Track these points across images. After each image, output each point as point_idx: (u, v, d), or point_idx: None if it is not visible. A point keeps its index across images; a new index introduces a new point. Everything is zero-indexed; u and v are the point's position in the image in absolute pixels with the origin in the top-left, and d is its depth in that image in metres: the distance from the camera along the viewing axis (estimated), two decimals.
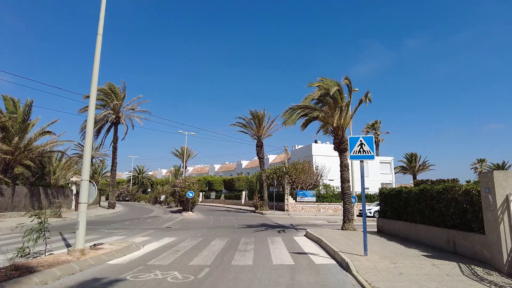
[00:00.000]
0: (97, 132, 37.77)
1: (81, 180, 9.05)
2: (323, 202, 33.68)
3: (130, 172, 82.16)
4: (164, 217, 26.51)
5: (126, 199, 72.33)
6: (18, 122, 20.91)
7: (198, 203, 57.95)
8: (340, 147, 15.38)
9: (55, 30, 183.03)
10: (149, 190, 74.79)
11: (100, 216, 25.55)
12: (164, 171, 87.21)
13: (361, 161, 8.65)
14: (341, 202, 34.49)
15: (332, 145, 16.16)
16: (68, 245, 10.73)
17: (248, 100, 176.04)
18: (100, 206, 38.50)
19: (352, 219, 15.17)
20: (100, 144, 42.46)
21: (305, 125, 17.76)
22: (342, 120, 15.36)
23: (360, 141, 8.67)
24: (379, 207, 30.86)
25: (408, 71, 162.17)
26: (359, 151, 8.62)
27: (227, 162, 75.03)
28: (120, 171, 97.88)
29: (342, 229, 15.09)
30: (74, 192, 28.47)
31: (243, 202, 46.27)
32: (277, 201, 35.60)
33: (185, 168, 67.48)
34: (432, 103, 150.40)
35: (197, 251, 10.44)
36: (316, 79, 15.70)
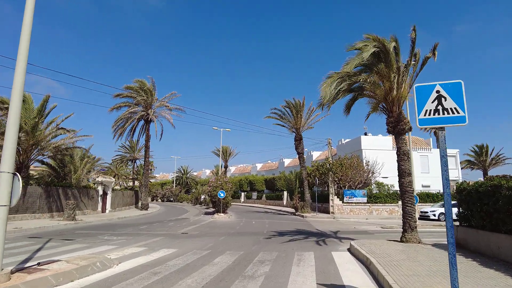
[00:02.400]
0: (132, 131, 36.63)
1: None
2: (376, 203, 28.87)
3: (175, 173, 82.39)
4: (192, 220, 23.84)
5: (170, 199, 72.21)
6: (31, 119, 19.36)
7: (239, 204, 55.75)
8: (397, 128, 11.18)
9: (94, 24, 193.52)
10: (193, 190, 74.10)
11: (123, 219, 23.52)
12: (207, 171, 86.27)
13: (440, 129, 4.68)
14: (397, 203, 29.61)
15: (386, 132, 11.95)
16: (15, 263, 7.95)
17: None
18: (136, 207, 37.13)
19: (415, 227, 10.89)
20: (137, 143, 41.39)
21: (349, 107, 13.80)
22: (399, 90, 11.17)
23: (437, 91, 4.72)
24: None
25: (458, 56, 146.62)
26: (436, 111, 4.68)
27: (269, 161, 71.68)
28: (166, 172, 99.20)
29: (401, 240, 10.89)
30: (100, 193, 26.92)
31: (284, 203, 42.57)
32: (321, 202, 31.40)
33: (226, 168, 65.43)
34: (499, 88, 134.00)
35: (183, 275, 7.18)
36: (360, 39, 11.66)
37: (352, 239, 13.07)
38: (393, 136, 11.50)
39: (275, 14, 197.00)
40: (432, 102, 4.72)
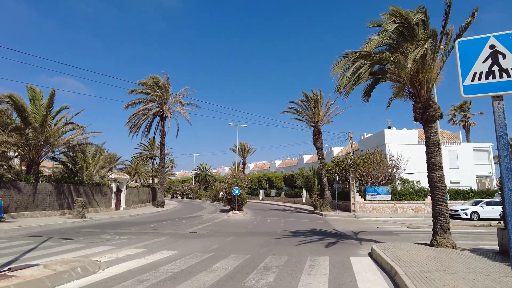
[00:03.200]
0: (147, 128, 36.23)
1: None
2: (401, 200, 27.05)
3: (195, 170, 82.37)
4: (206, 218, 22.97)
5: (190, 196, 72.19)
6: (40, 115, 18.96)
7: (258, 201, 54.71)
8: (426, 114, 9.71)
9: (108, 24, 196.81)
10: (212, 187, 73.75)
11: (135, 217, 22.93)
12: (226, 169, 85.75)
13: (496, 99, 3.35)
14: (423, 200, 27.61)
15: (413, 119, 10.47)
16: None
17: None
18: (153, 204, 36.70)
19: (448, 229, 9.41)
20: (153, 140, 41.10)
21: (368, 92, 12.38)
22: (428, 72, 9.69)
23: (492, 46, 3.40)
24: (478, 206, 23.48)
25: None
26: (490, 74, 3.36)
27: (288, 157, 70.11)
28: (187, 170, 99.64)
29: (432, 244, 9.45)
30: (114, 190, 26.51)
31: (303, 201, 41.14)
32: (342, 200, 29.82)
33: (244, 165, 64.56)
34: None
35: (172, 284, 6.19)
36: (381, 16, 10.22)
37: (375, 241, 11.69)
38: (422, 124, 10.01)
39: (291, 10, 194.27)
40: (484, 62, 3.40)
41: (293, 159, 67.37)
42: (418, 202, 27.08)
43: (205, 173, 78.90)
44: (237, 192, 25.56)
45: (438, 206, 9.37)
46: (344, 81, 10.54)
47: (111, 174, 26.67)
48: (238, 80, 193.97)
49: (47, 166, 31.09)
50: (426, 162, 9.76)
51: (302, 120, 29.93)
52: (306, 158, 60.10)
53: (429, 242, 9.69)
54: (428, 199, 26.84)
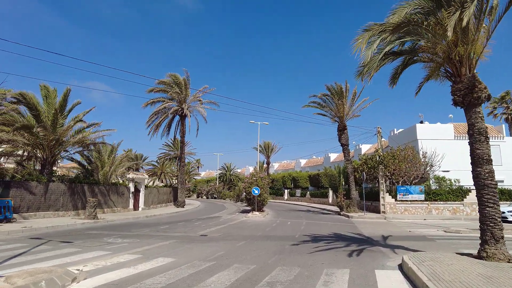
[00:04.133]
0: (167, 127, 35.76)
1: None
2: (435, 200, 24.65)
3: (219, 170, 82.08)
4: (223, 219, 21.87)
5: (214, 196, 71.82)
6: (52, 114, 18.57)
7: (282, 201, 53.04)
8: (468, 96, 7.94)
9: (124, 24, 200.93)
10: (236, 187, 72.98)
11: (151, 217, 22.21)
12: (251, 168, 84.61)
13: None
14: (462, 200, 24.92)
15: (452, 103, 8.64)
16: None
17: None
18: (175, 204, 36.05)
19: (501, 237, 7.59)
20: (174, 140, 40.42)
21: (396, 75, 10.71)
22: (470, 45, 7.93)
23: None
24: None
25: None
26: None
27: (314, 156, 68.07)
28: (212, 169, 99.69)
29: (480, 255, 7.67)
30: (132, 190, 25.99)
31: (330, 201, 39.15)
32: (371, 200, 27.75)
33: (268, 164, 63.29)
34: None
35: None
36: None
37: (406, 249, 9.99)
38: (464, 109, 8.23)
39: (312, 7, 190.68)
40: None
41: (319, 158, 65.26)
42: (456, 202, 24.56)
43: (230, 173, 78.32)
44: (256, 192, 24.28)
45: (487, 208, 7.57)
46: (367, 60, 8.98)
47: (129, 173, 26.19)
48: (260, 77, 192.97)
49: (66, 166, 31.27)
50: (470, 155, 7.99)
51: (325, 115, 28.18)
52: (333, 156, 57.84)
53: (475, 253, 7.91)
54: (468, 199, 24.31)
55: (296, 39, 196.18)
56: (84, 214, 18.74)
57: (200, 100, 34.64)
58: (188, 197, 78.12)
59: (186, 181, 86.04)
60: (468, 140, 8.09)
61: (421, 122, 32.89)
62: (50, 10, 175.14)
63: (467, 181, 28.36)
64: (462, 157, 31.99)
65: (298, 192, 52.83)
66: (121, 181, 25.14)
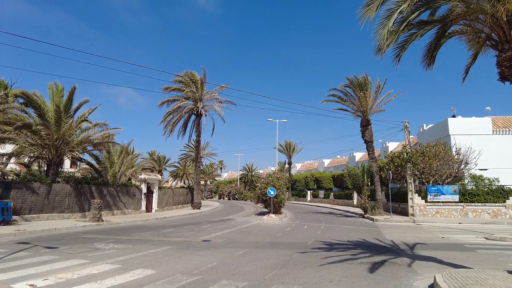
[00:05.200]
0: (184, 127, 34.89)
1: None
2: (472, 202, 22.10)
3: (241, 170, 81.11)
4: (236, 221, 20.50)
5: (236, 197, 70.78)
6: (57, 112, 17.90)
7: (305, 203, 50.95)
8: None
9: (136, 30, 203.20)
10: (256, 188, 71.65)
11: (161, 220, 21.20)
12: (273, 169, 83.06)
13: None
14: (504, 202, 21.91)
15: (499, 78, 6.74)
16: None
17: None
18: (193, 206, 34.98)
19: None
20: (189, 139, 39.28)
21: (432, 51, 8.93)
22: None
23: None
24: None
25: None
26: None
27: (338, 156, 65.38)
28: (234, 171, 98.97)
29: None
30: (144, 191, 25.14)
31: (355, 203, 36.90)
32: (398, 202, 25.47)
33: (290, 164, 61.36)
34: None
35: None
36: None
37: (439, 261, 8.16)
38: None
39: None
40: None
41: (344, 157, 62.67)
42: (497, 204, 21.90)
43: (251, 173, 77.04)
44: (272, 193, 22.71)
45: None
46: (385, 35, 7.31)
47: (141, 174, 25.36)
48: (279, 73, 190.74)
49: (82, 168, 30.98)
50: None
51: (347, 110, 26.16)
52: (358, 156, 55.15)
53: None
54: (511, 200, 21.59)
55: (312, 34, 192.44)
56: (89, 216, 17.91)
57: (217, 99, 33.53)
58: (210, 198, 77.65)
59: (208, 182, 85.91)
60: None
61: (453, 117, 30.08)
62: (79, 21, 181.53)
63: (508, 180, 25.63)
64: (501, 154, 29.05)
65: (321, 193, 50.69)
66: (132, 182, 24.31)
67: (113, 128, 20.85)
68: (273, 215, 22.59)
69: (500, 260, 8.69)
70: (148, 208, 25.91)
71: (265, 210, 29.93)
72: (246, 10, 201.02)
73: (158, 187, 27.73)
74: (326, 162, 65.55)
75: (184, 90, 31.79)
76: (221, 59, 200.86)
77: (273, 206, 24.13)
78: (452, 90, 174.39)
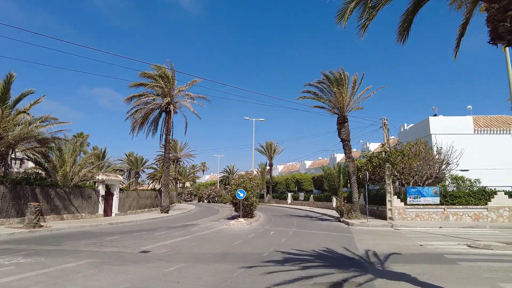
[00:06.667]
0: (154, 124, 32.71)
1: None
2: (453, 204, 20.76)
3: (222, 172, 79.03)
4: (200, 227, 18.57)
5: (215, 200, 68.61)
6: None
7: (285, 205, 49.13)
8: None
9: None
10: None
11: (115, 225, 19.07)
12: (254, 171, 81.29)
13: None
14: (485, 204, 20.59)
15: (489, 40, 5.37)
16: None
17: None
18: (160, 210, 32.66)
19: None
20: (160, 138, 36.91)
21: (406, 25, 7.38)
22: None
23: None
24: None
25: None
26: None
27: (320, 158, 64.10)
28: (214, 173, 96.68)
29: None
30: (102, 193, 22.87)
31: (334, 205, 35.40)
32: (376, 204, 23.99)
33: (271, 166, 59.60)
34: None
35: None
36: None
37: (412, 281, 6.43)
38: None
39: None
40: None
41: (325, 158, 61.41)
42: (478, 207, 20.62)
43: (232, 175, 75.04)
44: (241, 195, 20.83)
45: None
46: None
47: (99, 174, 23.07)
48: (262, 74, 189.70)
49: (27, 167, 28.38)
50: None
51: (323, 108, 24.58)
52: (339, 157, 53.86)
53: None
54: (493, 202, 20.38)
55: (308, 36, 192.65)
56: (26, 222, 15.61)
57: (188, 94, 31.53)
58: (190, 201, 75.08)
59: (188, 184, 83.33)
60: None
61: (435, 116, 28.96)
62: (64, 22, 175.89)
63: (489, 181, 24.45)
64: (483, 154, 28.04)
65: (302, 195, 49.15)
66: (88, 183, 22.01)
67: (62, 122, 18.58)
68: (242, 219, 20.71)
69: (487, 277, 7.06)
70: (107, 212, 23.63)
71: (236, 213, 28.03)
72: (230, 11, 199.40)
73: (120, 189, 25.48)
74: (308, 163, 64.19)
75: (149, 85, 29.63)
76: (209, 62, 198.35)
77: (243, 209, 22.27)
78: (434, 90, 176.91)
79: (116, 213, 24.33)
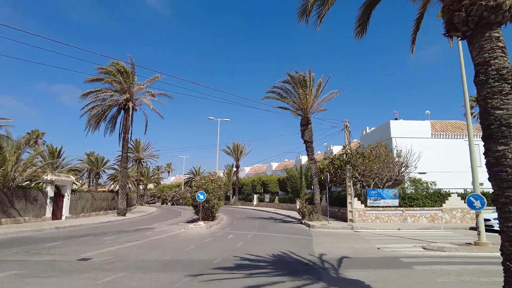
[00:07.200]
0: (113, 122, 30.96)
1: None
2: (411, 206, 21.21)
3: (187, 174, 77.12)
4: (156, 231, 17.53)
5: (180, 202, 66.77)
6: None
7: (251, 207, 48.60)
8: (479, 8, 4.09)
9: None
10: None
11: (62, 230, 17.57)
12: (221, 172, 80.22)
13: None
14: (440, 206, 21.02)
15: (444, 32, 5.81)
16: None
17: None
18: (117, 213, 30.81)
19: None
20: (119, 136, 35.14)
21: (365, 17, 7.08)
22: None
23: None
24: None
25: None
26: None
27: (286, 160, 64.32)
28: (180, 174, 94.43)
29: None
30: (50, 195, 21.11)
31: (297, 207, 35.41)
32: (338, 206, 24.08)
33: (238, 167, 58.93)
34: None
35: None
36: None
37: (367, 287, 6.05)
38: (467, 37, 4.41)
39: None
40: None
41: (291, 160, 61.67)
42: (434, 208, 21.21)
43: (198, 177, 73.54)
44: (201, 197, 19.98)
45: None
46: None
47: (47, 175, 21.29)
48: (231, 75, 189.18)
49: None
50: (481, 122, 4.14)
51: (287, 109, 24.36)
52: (304, 159, 54.10)
53: None
54: (447, 204, 21.00)
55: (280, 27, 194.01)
56: None
57: (148, 91, 30.20)
58: (153, 203, 72.54)
59: (152, 186, 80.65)
60: (476, 95, 4.24)
61: (396, 120, 29.70)
62: (23, 16, 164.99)
63: (444, 184, 25.43)
64: (439, 158, 29.14)
65: (267, 197, 48.95)
66: (30, 184, 20.21)
67: (2, 119, 16.84)
68: (201, 223, 19.87)
69: (440, 282, 6.87)
70: (57, 215, 21.87)
71: (196, 216, 27.10)
72: (198, 11, 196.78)
73: (72, 190, 23.74)
74: (275, 165, 64.21)
75: (109, 81, 28.01)
76: (176, 62, 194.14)
77: (204, 212, 21.47)
78: (396, 95, 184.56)
79: (66, 216, 22.59)
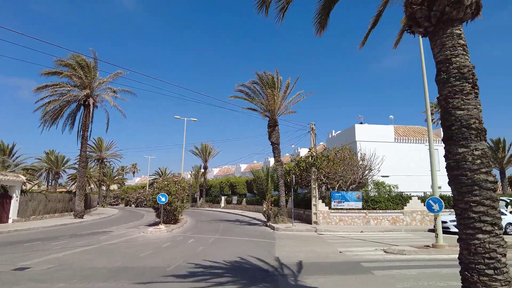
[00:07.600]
0: (71, 119, 29.15)
1: None
2: (374, 208, 21.54)
3: (152, 175, 74.88)
4: (112, 235, 16.52)
5: (144, 204, 64.61)
6: None
7: (218, 209, 47.88)
8: (440, 3, 3.88)
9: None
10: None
11: (7, 234, 16.11)
12: (189, 174, 78.64)
13: None
14: (401, 208, 21.68)
15: (407, 29, 5.62)
16: None
17: None
18: (74, 215, 28.95)
19: None
20: (77, 134, 33.22)
21: (327, 9, 6.72)
22: None
23: None
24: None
25: None
26: None
27: (255, 161, 64.21)
28: (145, 175, 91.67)
29: None
30: (15, 198, 19.41)
31: (264, 209, 35.19)
32: (303, 208, 24.06)
33: (206, 169, 57.85)
34: None
35: None
36: None
37: None
38: (429, 33, 4.20)
39: None
40: None
41: (260, 162, 61.59)
42: (396, 211, 21.65)
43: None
44: (163, 199, 19.10)
45: (478, 235, 3.49)
46: None
47: (6, 175, 19.52)
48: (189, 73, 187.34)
49: None
50: (442, 123, 3.92)
51: (255, 110, 24.04)
52: (272, 161, 54.27)
53: None
54: (408, 207, 21.50)
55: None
56: None
57: (110, 88, 28.80)
58: (116, 205, 69.64)
59: (116, 187, 77.55)
60: (438, 95, 4.03)
61: (361, 124, 30.27)
62: None
63: (406, 187, 26.21)
64: (401, 162, 30.09)
65: (235, 199, 48.43)
66: None
67: None
68: (162, 226, 19.01)
69: (400, 286, 6.72)
70: (2, 218, 20.14)
71: (158, 219, 26.08)
72: (166, 7, 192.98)
73: (22, 190, 21.99)
74: (243, 167, 63.81)
75: (67, 75, 26.38)
76: (147, 58, 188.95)
77: (165, 215, 20.62)
78: (361, 100, 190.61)
79: (14, 219, 20.86)
